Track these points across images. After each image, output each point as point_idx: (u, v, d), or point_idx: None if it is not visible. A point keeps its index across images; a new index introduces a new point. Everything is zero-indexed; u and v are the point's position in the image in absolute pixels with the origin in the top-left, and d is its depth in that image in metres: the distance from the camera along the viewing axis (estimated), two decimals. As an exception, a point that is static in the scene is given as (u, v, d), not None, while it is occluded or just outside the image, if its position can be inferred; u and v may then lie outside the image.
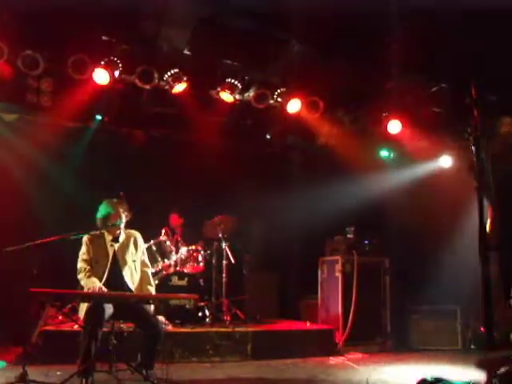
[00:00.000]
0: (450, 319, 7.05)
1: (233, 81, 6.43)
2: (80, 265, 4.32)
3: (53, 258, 5.10)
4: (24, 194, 6.25)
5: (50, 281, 4.25)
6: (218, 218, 6.74)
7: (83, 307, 4.11)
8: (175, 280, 6.31)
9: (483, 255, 2.16)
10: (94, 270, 4.31)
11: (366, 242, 7.10)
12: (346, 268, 6.78)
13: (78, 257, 4.39)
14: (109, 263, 4.35)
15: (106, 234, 4.46)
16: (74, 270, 4.35)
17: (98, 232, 4.43)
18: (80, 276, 4.27)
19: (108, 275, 4.29)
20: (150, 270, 4.69)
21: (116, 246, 4.43)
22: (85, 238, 4.41)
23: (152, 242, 6.52)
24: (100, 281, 4.23)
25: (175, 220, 7.09)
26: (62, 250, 4.59)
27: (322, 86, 6.58)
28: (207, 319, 6.31)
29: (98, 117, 6.80)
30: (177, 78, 6.24)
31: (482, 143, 2.24)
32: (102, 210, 4.44)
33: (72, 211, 6.40)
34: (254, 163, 7.95)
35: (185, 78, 6.27)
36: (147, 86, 6.16)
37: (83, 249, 4.39)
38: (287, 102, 6.77)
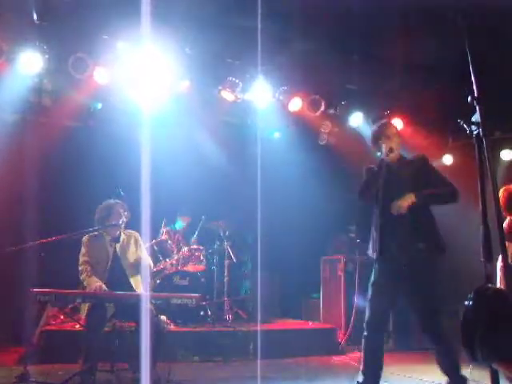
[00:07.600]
0: (452, 318, 7.00)
1: (234, 79, 6.42)
2: (82, 267, 4.28)
3: (54, 258, 5.09)
4: (26, 194, 6.23)
5: (51, 280, 4.25)
6: None
7: (85, 307, 4.09)
8: (177, 279, 6.29)
9: (487, 253, 2.15)
10: (95, 271, 4.27)
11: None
12: (348, 267, 6.76)
13: (79, 257, 4.37)
14: (109, 263, 4.33)
15: (104, 234, 4.44)
16: (75, 270, 4.34)
17: (96, 233, 4.41)
18: (82, 277, 4.24)
19: (109, 275, 4.27)
20: (151, 264, 4.68)
21: (117, 246, 4.41)
22: (84, 239, 4.39)
23: (153, 241, 6.50)
24: (102, 281, 4.21)
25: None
26: (62, 250, 4.58)
27: (324, 85, 6.57)
28: (209, 318, 6.30)
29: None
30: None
31: (484, 142, 2.22)
32: (102, 211, 4.42)
33: (73, 211, 6.39)
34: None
35: (186, 77, 6.26)
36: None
37: (83, 250, 4.36)
38: (289, 100, 6.76)
